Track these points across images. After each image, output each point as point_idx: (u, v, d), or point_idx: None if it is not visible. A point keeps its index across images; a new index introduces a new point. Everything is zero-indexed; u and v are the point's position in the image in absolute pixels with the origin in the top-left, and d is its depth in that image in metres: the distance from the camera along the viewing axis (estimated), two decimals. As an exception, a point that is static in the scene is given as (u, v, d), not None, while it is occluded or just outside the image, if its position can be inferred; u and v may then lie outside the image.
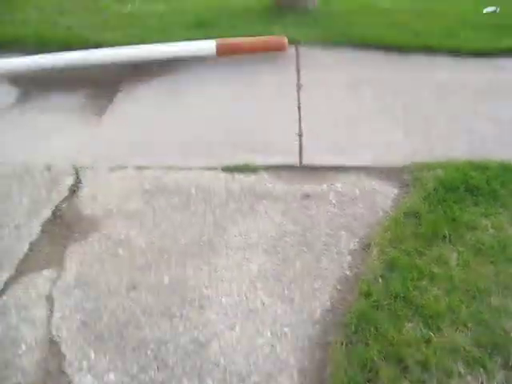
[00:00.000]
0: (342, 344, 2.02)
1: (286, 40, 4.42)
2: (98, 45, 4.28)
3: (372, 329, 2.05)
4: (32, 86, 4.01)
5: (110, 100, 3.81)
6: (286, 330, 2.12)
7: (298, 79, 4.03)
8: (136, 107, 3.71)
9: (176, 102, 3.75)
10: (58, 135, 3.37)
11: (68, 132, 3.42)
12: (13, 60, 4.09)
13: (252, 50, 4.40)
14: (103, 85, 4.00)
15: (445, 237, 2.48)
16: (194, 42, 4.31)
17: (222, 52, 4.32)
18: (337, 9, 5.28)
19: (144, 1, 5.47)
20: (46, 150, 3.21)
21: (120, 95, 3.87)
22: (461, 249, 2.43)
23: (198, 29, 4.72)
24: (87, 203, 2.78)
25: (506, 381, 1.89)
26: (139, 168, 3.05)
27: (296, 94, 3.83)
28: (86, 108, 3.73)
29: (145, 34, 4.57)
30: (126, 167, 3.06)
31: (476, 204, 2.69)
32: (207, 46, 4.29)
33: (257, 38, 4.45)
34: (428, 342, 2.01)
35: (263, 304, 2.22)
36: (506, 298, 2.20)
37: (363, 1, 5.55)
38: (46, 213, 2.71)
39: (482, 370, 1.93)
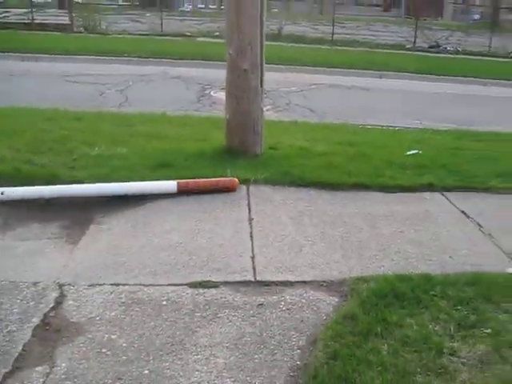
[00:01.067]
0: (297, 415, 2.46)
1: (237, 181, 5.10)
2: (70, 182, 4.87)
3: (320, 403, 2.50)
4: (11, 216, 4.48)
5: (83, 231, 4.29)
6: (250, 407, 2.55)
7: (250, 213, 4.64)
8: (107, 236, 4.20)
9: (143, 231, 4.27)
10: (39, 259, 3.82)
11: (48, 256, 3.87)
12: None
13: (207, 189, 5.03)
14: (77, 217, 4.50)
15: (377, 333, 3.01)
16: (158, 182, 4.93)
17: (181, 190, 4.94)
18: (281, 153, 6.03)
19: (108, 145, 6.11)
20: (30, 271, 3.64)
21: (92, 226, 4.36)
22: (391, 342, 2.95)
23: (158, 169, 5.35)
24: (72, 312, 3.20)
25: None
26: (115, 285, 3.50)
27: (248, 225, 4.43)
28: (62, 237, 4.20)
29: (112, 173, 5.15)
30: (103, 284, 3.51)
31: (402, 307, 3.25)
32: (170, 185, 4.91)
33: (212, 179, 5.10)
34: (366, 411, 2.47)
35: (230, 388, 2.66)
36: (429, 376, 2.71)
37: (302, 146, 6.33)
38: (36, 320, 3.11)
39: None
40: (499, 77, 15.73)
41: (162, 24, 22.05)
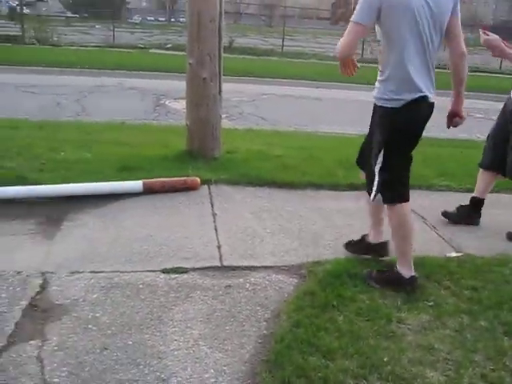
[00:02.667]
0: (266, 372, 2.82)
1: (198, 180, 5.46)
2: (39, 183, 5.15)
3: (287, 361, 2.88)
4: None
5: (58, 227, 4.57)
6: (224, 368, 2.90)
7: (213, 209, 5.00)
8: (81, 230, 4.49)
9: (114, 225, 4.58)
10: (19, 252, 4.08)
11: (28, 250, 4.13)
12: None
13: (171, 188, 5.36)
14: (51, 215, 4.77)
15: (334, 306, 3.41)
16: (125, 182, 5.25)
17: (147, 190, 5.27)
18: (238, 157, 6.43)
19: (73, 151, 6.39)
20: (12, 262, 3.90)
21: (66, 223, 4.64)
22: (346, 313, 3.35)
23: (123, 172, 5.65)
24: (57, 296, 3.49)
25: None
26: (94, 272, 3.80)
27: (212, 219, 4.79)
28: (39, 233, 4.47)
29: (79, 176, 5.44)
30: (82, 272, 3.81)
31: (355, 286, 3.67)
32: (136, 185, 5.23)
33: (175, 178, 5.45)
34: (326, 367, 2.86)
35: (206, 353, 3.00)
36: (380, 339, 3.12)
37: (259, 150, 6.74)
38: (24, 302, 3.39)
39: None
40: (440, 87, 16.55)
41: (113, 36, 22.28)
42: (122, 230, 4.49)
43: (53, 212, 4.82)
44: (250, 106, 12.01)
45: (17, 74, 14.50)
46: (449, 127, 4.00)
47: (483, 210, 5.13)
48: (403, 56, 3.42)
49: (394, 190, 3.72)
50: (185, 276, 3.81)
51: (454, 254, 4.41)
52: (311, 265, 3.99)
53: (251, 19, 60.04)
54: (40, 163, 5.81)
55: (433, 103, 3.61)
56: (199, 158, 6.15)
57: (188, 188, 5.41)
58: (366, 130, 3.96)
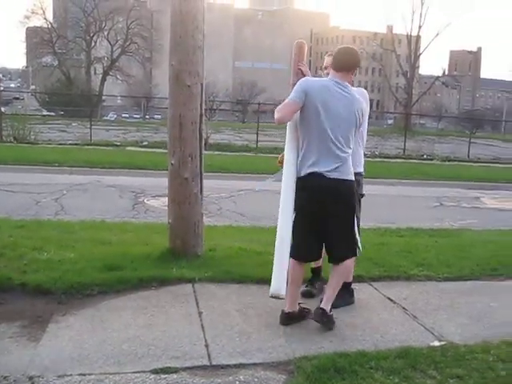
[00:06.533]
0: None
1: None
2: (23, 285, 5.19)
3: None
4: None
5: (44, 329, 4.57)
6: None
7: (198, 308, 5.07)
8: (68, 332, 4.50)
9: (102, 327, 4.61)
10: (5, 356, 4.07)
11: (14, 353, 4.13)
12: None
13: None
14: (35, 317, 4.79)
15: (323, 399, 3.46)
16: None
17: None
18: (221, 254, 6.53)
19: (56, 250, 6.44)
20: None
21: (51, 325, 4.66)
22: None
23: (107, 272, 5.71)
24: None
25: None
26: (82, 375, 3.82)
27: (198, 318, 4.85)
28: (24, 335, 4.46)
29: (63, 276, 5.48)
30: (70, 375, 3.81)
31: (343, 379, 3.75)
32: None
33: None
34: None
35: None
36: None
37: (240, 247, 6.86)
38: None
39: None
40: (411, 177, 17.31)
41: (91, 133, 22.68)
42: (110, 332, 4.52)
43: (38, 314, 4.83)
44: (229, 202, 12.21)
45: (-6, 172, 14.62)
46: None
47: (460, 299, 5.30)
48: None
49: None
50: (174, 376, 3.84)
51: (437, 343, 4.52)
52: (299, 360, 4.04)
53: (225, 115, 61.64)
54: (23, 264, 5.85)
55: None
56: (182, 255, 6.23)
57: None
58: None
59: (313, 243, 4.76)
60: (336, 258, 4.78)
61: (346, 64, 4.69)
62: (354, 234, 4.80)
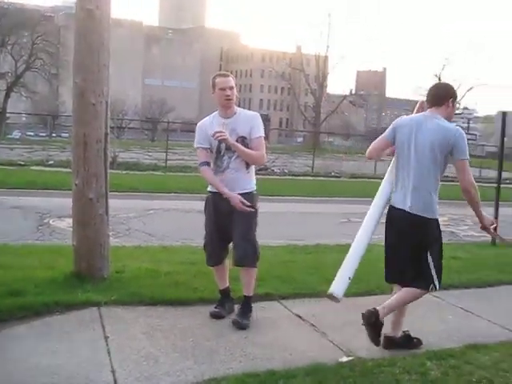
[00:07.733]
0: None
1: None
2: None
3: None
4: None
5: None
6: None
7: (104, 332, 4.93)
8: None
9: (3, 357, 4.41)
10: None
11: None
12: None
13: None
14: None
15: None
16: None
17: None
18: (128, 276, 6.39)
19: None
20: None
21: None
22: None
23: (9, 298, 5.47)
24: None
25: None
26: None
27: (104, 343, 4.72)
28: None
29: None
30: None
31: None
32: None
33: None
34: None
35: None
36: None
37: (148, 268, 6.74)
38: None
39: None
40: (319, 194, 17.71)
41: (-8, 153, 21.84)
42: (10, 361, 4.32)
43: None
44: (137, 222, 12.01)
45: None
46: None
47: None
48: None
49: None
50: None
51: (345, 359, 4.58)
52: (208, 382, 4.00)
53: (134, 133, 60.91)
54: None
55: None
56: (88, 279, 6.06)
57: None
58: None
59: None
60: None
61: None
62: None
